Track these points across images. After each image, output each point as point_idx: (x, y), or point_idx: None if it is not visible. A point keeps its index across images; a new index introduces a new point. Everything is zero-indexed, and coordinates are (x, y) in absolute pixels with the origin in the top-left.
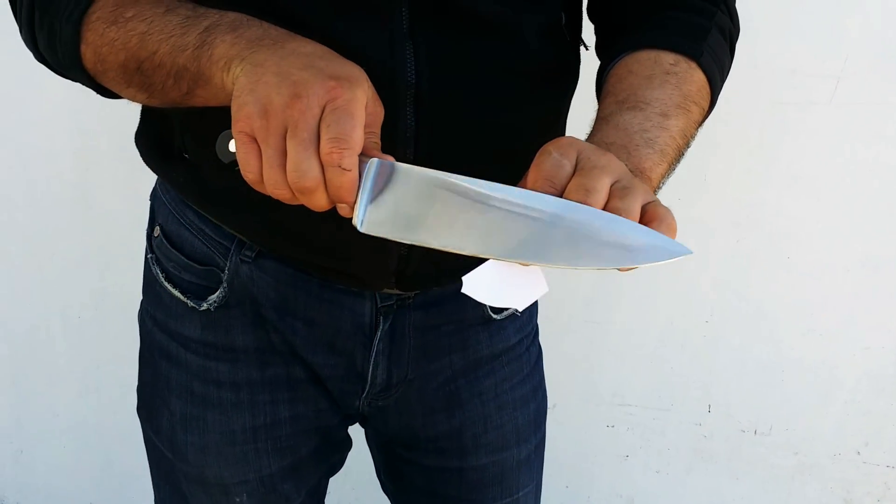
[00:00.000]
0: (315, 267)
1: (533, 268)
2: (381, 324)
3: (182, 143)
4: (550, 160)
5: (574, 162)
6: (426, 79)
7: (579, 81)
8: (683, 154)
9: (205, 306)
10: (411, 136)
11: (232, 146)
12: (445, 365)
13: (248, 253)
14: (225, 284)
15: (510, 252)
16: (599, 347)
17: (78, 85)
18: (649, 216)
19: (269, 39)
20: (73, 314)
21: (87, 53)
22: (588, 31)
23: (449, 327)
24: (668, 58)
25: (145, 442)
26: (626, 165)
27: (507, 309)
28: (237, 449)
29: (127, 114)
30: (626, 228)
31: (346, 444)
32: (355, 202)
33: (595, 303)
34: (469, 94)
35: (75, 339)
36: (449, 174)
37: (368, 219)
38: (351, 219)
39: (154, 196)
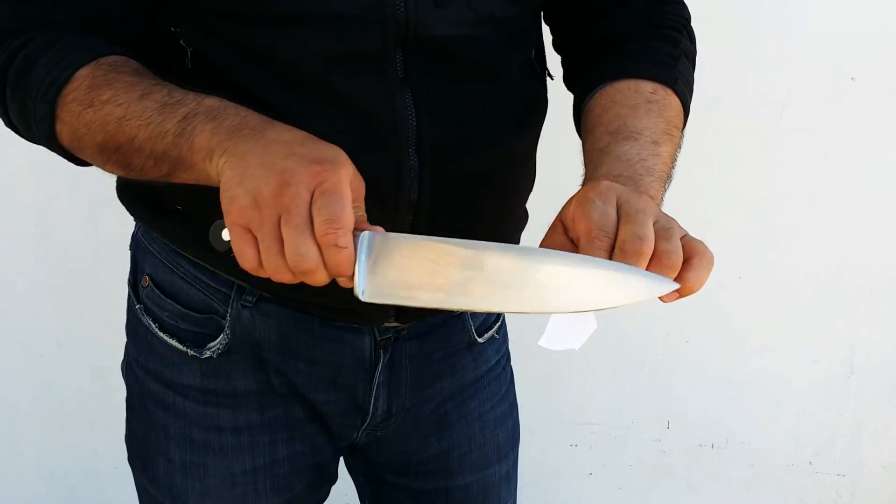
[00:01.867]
0: (317, 306)
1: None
2: (382, 357)
3: (173, 196)
4: (597, 209)
5: (615, 207)
6: (426, 121)
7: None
8: (672, 176)
9: (207, 354)
10: (415, 176)
11: (225, 235)
12: (437, 391)
13: (248, 298)
14: (227, 331)
15: (510, 305)
16: (562, 369)
17: None
18: (688, 252)
19: (248, 129)
20: (36, 352)
21: (63, 131)
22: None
23: (439, 354)
24: (647, 86)
25: (138, 490)
26: None
27: (493, 330)
28: (237, 490)
29: None
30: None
31: (335, 476)
32: (353, 274)
33: None
34: (464, 131)
35: (37, 377)
36: (438, 238)
37: (368, 289)
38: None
39: (136, 245)
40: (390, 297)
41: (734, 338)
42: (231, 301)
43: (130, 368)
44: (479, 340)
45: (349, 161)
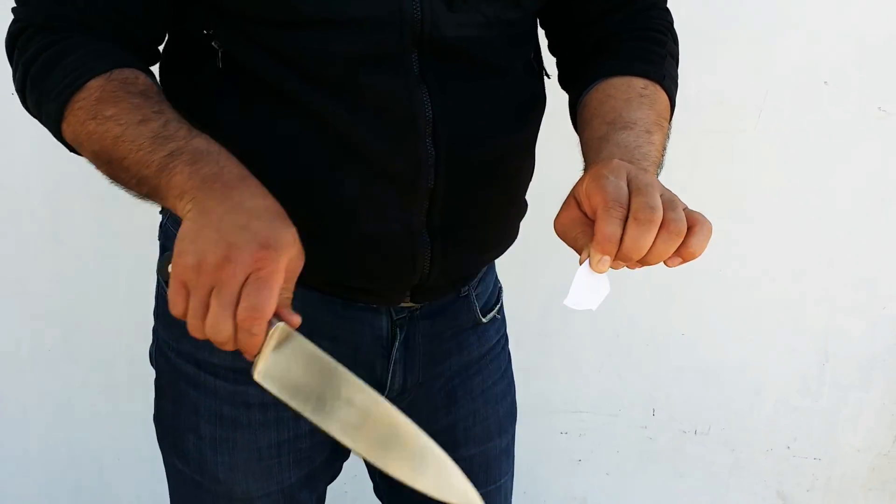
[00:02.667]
0: (338, 287)
1: (602, 274)
2: (398, 335)
3: None
4: (611, 184)
5: (626, 181)
6: (441, 114)
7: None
8: (663, 163)
9: None
10: (432, 164)
11: (171, 268)
12: (446, 367)
13: None
14: None
15: (366, 452)
16: (552, 359)
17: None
18: (690, 221)
19: (220, 183)
20: (44, 347)
21: (68, 132)
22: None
23: (448, 333)
24: (638, 82)
25: (167, 469)
26: None
27: (494, 311)
28: (263, 464)
29: None
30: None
31: (347, 452)
32: (257, 355)
33: (547, 317)
34: (476, 124)
35: (44, 371)
36: (335, 365)
37: (261, 374)
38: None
39: (165, 235)
40: (276, 390)
41: (715, 329)
42: None
43: (161, 352)
44: (483, 320)
45: (294, 244)
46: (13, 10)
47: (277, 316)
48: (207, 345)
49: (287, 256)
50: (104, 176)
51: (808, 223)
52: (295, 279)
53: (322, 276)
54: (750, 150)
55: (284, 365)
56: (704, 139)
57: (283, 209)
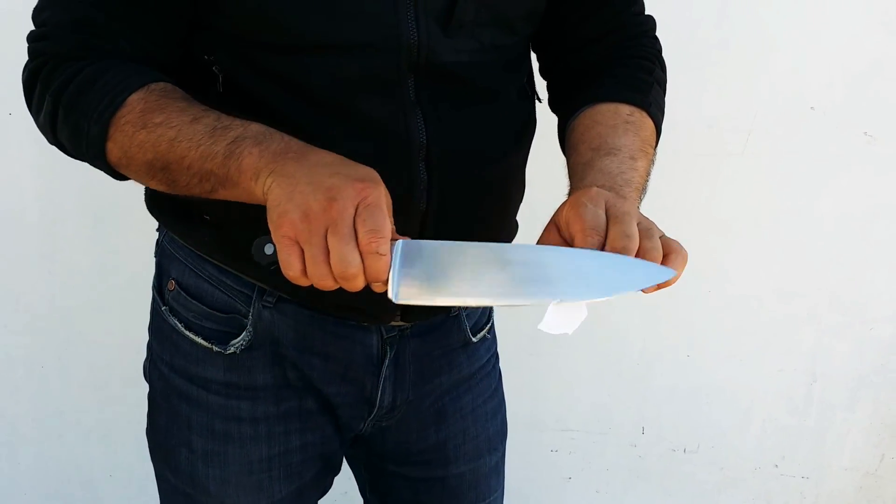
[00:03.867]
0: (331, 306)
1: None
2: (388, 353)
3: (201, 207)
4: (589, 212)
5: (604, 209)
6: (435, 138)
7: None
8: (647, 189)
9: (231, 350)
10: (424, 188)
11: (268, 249)
12: (436, 385)
13: (269, 299)
14: (250, 329)
15: (528, 296)
16: (542, 377)
17: (45, 145)
18: (666, 249)
19: (293, 153)
20: (37, 364)
21: (114, 150)
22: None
23: (438, 352)
24: (624, 109)
25: (158, 482)
26: None
27: (485, 331)
28: (254, 478)
29: (92, 173)
30: (624, 262)
31: (339, 467)
32: (388, 279)
33: (538, 336)
34: (468, 148)
35: (37, 388)
36: (459, 243)
37: (401, 292)
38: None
39: (161, 253)
40: (418, 298)
41: (704, 348)
42: (253, 302)
43: (155, 366)
44: (473, 340)
45: (382, 181)
46: (29, 49)
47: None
48: (199, 358)
49: (383, 187)
50: (158, 187)
51: (796, 245)
52: (391, 214)
53: (315, 294)
54: (738, 173)
55: (418, 273)
56: (693, 162)
57: None
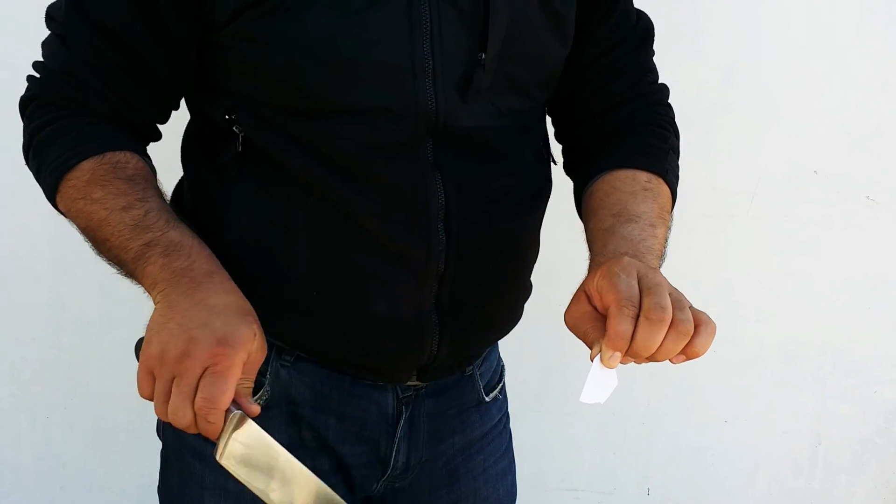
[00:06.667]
0: (348, 365)
1: (610, 370)
2: (403, 413)
3: None
4: (623, 282)
5: (637, 280)
6: (453, 201)
7: None
8: (665, 255)
9: None
10: (442, 249)
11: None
12: (449, 446)
13: (287, 358)
14: (267, 388)
15: None
16: (548, 436)
17: None
18: (696, 321)
19: (188, 279)
20: (42, 414)
21: (61, 204)
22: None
23: (452, 411)
24: (642, 176)
25: None
26: None
27: (497, 390)
28: None
29: None
30: None
31: None
32: (218, 439)
33: (543, 394)
34: (486, 210)
35: (41, 438)
36: (283, 450)
37: (223, 456)
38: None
39: None
40: (235, 470)
41: (710, 409)
42: (271, 360)
43: (168, 424)
44: (486, 399)
45: (252, 339)
46: (28, 77)
47: (236, 404)
48: None
49: (245, 352)
50: (91, 248)
51: (800, 307)
52: (256, 370)
53: (331, 354)
54: (742, 235)
55: (242, 449)
56: (698, 223)
57: (249, 304)
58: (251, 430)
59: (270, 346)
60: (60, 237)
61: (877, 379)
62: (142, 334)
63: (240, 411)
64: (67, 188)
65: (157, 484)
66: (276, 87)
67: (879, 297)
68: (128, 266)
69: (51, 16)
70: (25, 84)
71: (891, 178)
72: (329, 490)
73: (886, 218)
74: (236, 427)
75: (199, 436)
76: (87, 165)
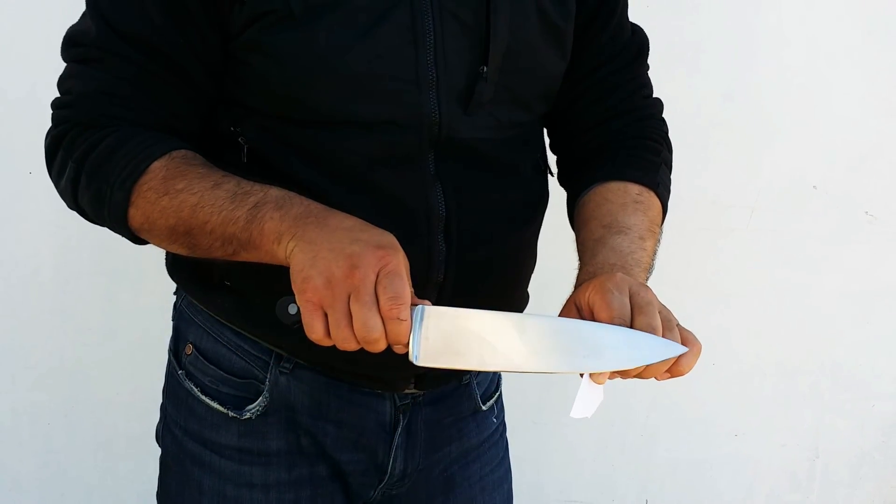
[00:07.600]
0: (346, 373)
1: (598, 385)
2: (401, 421)
3: (222, 274)
4: (616, 299)
5: (628, 297)
6: (454, 212)
7: None
8: (654, 267)
9: (246, 415)
10: (443, 260)
11: (291, 309)
12: (445, 453)
13: (286, 365)
14: (266, 394)
15: (548, 365)
16: (547, 447)
17: (63, 204)
18: (683, 341)
19: (313, 217)
20: (43, 421)
21: (136, 216)
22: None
23: (449, 420)
24: (633, 188)
25: None
26: None
27: (493, 399)
28: None
29: (107, 234)
30: (640, 337)
31: None
32: (409, 342)
33: (542, 406)
34: (486, 221)
35: (42, 445)
36: (480, 311)
37: (422, 354)
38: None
39: (179, 316)
40: (439, 361)
41: (708, 422)
42: (270, 367)
43: (168, 429)
44: (483, 408)
45: (400, 246)
46: (53, 115)
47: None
48: (214, 423)
49: (402, 253)
50: (180, 251)
51: (798, 321)
52: (409, 278)
53: (330, 362)
54: (741, 249)
55: (439, 336)
56: (697, 236)
57: None
58: (437, 311)
59: (269, 353)
60: (63, 246)
61: (875, 393)
62: (141, 343)
63: (421, 304)
64: (143, 192)
65: (156, 490)
66: (281, 98)
67: (878, 312)
68: (238, 238)
69: (76, 41)
70: (25, 91)
71: (889, 194)
72: (534, 317)
73: (885, 233)
74: (423, 319)
75: (198, 442)
76: (157, 165)
